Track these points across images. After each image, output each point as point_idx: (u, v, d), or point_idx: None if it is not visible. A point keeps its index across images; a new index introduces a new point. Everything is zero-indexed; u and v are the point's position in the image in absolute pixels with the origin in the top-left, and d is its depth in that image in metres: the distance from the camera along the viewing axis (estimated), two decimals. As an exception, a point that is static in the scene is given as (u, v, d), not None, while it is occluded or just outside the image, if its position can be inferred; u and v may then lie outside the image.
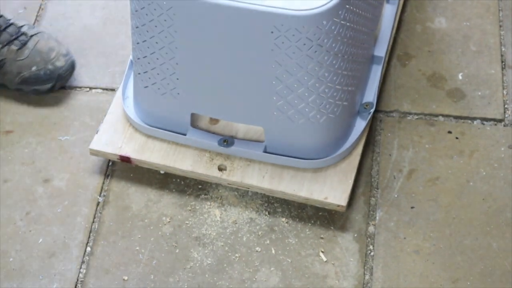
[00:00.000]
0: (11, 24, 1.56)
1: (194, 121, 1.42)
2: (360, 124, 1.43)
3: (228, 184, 1.41)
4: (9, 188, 1.48)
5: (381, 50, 1.50)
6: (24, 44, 1.55)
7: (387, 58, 1.54)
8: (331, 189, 1.37)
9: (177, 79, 1.33)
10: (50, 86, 1.56)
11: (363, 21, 1.31)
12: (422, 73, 1.59)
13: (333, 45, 1.22)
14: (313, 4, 1.17)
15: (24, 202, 1.46)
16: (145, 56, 1.33)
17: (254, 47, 1.23)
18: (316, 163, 1.38)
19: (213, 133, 1.42)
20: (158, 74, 1.34)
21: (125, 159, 1.43)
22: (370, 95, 1.45)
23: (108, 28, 1.69)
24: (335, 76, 1.27)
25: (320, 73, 1.25)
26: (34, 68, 1.54)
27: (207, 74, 1.31)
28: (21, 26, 1.57)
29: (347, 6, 1.21)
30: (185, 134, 1.43)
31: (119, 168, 1.49)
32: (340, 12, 1.20)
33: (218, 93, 1.34)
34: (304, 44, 1.20)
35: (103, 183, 1.48)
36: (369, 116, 1.43)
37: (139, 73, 1.38)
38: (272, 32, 1.20)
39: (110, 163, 1.49)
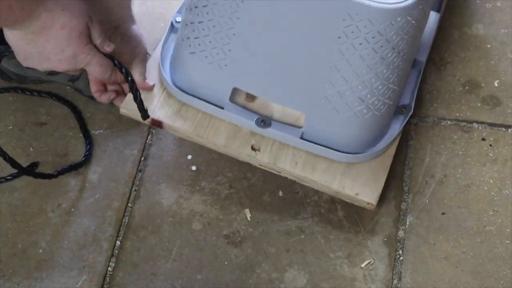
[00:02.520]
0: None
1: (231, 96, 1.39)
2: (396, 126, 1.42)
3: (260, 165, 1.39)
4: (41, 179, 1.48)
5: (422, 55, 1.49)
6: None
7: (425, 65, 1.52)
8: (362, 185, 1.36)
9: (229, 50, 1.31)
10: None
11: (423, 23, 1.31)
12: (458, 79, 1.58)
13: (399, 43, 1.22)
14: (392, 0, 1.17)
15: (56, 194, 1.47)
16: (201, 22, 1.30)
17: (321, 31, 1.22)
18: (352, 158, 1.37)
19: (249, 110, 1.39)
20: (210, 42, 1.32)
21: (157, 123, 1.40)
22: (407, 98, 1.45)
23: (145, 23, 1.69)
24: (392, 74, 1.27)
25: (380, 69, 1.24)
26: None
27: (263, 50, 1.29)
28: None
29: (420, 6, 1.21)
30: (221, 107, 1.39)
31: (151, 164, 1.50)
32: (414, 11, 1.20)
33: (269, 71, 1.32)
34: (373, 37, 1.20)
35: (135, 177, 1.49)
36: (406, 119, 1.42)
37: (188, 38, 1.35)
38: (344, 19, 1.19)
39: (143, 158, 1.50)
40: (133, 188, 1.47)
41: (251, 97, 1.41)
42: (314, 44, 1.24)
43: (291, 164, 1.38)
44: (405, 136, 1.49)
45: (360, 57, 1.23)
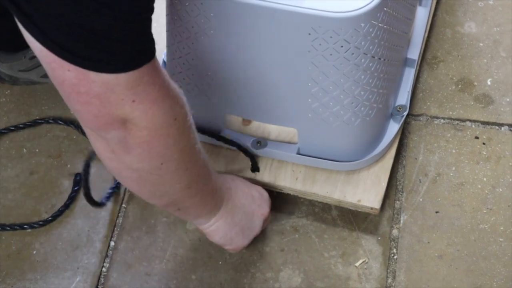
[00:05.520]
0: None
1: (226, 122, 1.42)
2: (393, 127, 1.43)
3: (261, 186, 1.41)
4: (35, 180, 1.49)
5: (414, 53, 1.50)
6: None
7: (419, 61, 1.54)
8: (364, 191, 1.38)
9: (212, 79, 1.33)
10: None
11: (398, 23, 1.31)
12: (451, 78, 1.58)
13: (370, 47, 1.21)
14: (351, 6, 1.16)
15: (50, 195, 1.47)
16: (180, 57, 1.32)
17: (290, 49, 1.22)
18: (349, 166, 1.38)
19: (246, 134, 1.42)
20: (192, 74, 1.34)
21: None
22: (403, 97, 1.45)
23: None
24: (371, 79, 1.26)
25: (357, 76, 1.24)
26: None
27: (242, 76, 1.31)
28: None
29: (385, 8, 1.20)
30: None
31: (144, 164, 1.50)
32: (378, 15, 1.19)
33: (253, 94, 1.34)
34: (342, 46, 1.19)
35: (129, 178, 1.48)
36: (402, 119, 1.43)
37: (173, 74, 1.37)
38: (309, 33, 1.18)
39: (136, 159, 1.50)
40: (127, 189, 1.47)
41: (247, 120, 1.43)
42: (289, 62, 1.24)
43: (291, 180, 1.40)
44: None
45: (334, 67, 1.22)
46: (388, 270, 1.36)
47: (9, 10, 0.90)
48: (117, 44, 0.91)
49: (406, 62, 1.49)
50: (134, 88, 0.94)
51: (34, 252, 1.41)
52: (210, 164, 1.19)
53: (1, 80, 1.58)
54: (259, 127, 1.43)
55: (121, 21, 0.90)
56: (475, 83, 1.57)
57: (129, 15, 0.90)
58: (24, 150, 1.53)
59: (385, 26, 1.22)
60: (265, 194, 1.35)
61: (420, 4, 1.58)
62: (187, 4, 1.22)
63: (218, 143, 1.43)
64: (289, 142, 1.42)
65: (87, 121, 0.99)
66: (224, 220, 1.26)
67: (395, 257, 1.38)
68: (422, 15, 1.57)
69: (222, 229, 1.26)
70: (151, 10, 0.94)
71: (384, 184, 1.39)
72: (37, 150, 1.53)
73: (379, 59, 1.25)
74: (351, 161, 1.38)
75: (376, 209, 1.37)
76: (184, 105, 1.04)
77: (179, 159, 1.07)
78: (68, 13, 0.87)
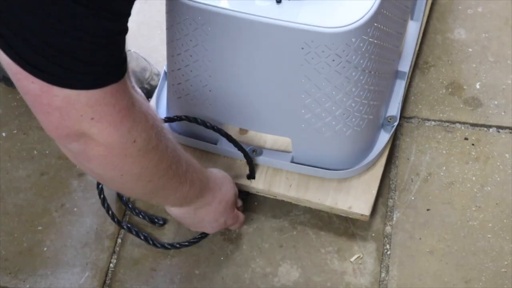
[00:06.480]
0: None
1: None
2: (384, 137, 1.44)
3: (256, 192, 1.43)
4: (45, 180, 1.51)
5: (405, 66, 1.50)
6: None
7: (410, 74, 1.54)
8: (355, 199, 1.39)
9: (210, 91, 1.33)
10: None
11: (389, 38, 1.31)
12: (441, 82, 1.60)
13: (361, 61, 1.22)
14: (343, 22, 1.17)
15: (59, 194, 1.49)
16: (179, 68, 1.33)
17: (284, 62, 1.23)
18: (341, 174, 1.39)
19: (242, 142, 1.42)
20: (191, 85, 1.34)
21: None
22: (394, 108, 1.46)
23: (142, 31, 1.72)
24: (362, 91, 1.27)
25: (348, 88, 1.25)
26: None
27: (239, 87, 1.32)
28: None
29: (375, 24, 1.21)
30: (215, 143, 1.44)
31: (149, 165, 1.52)
32: (368, 30, 1.19)
33: (249, 105, 1.35)
34: (333, 60, 1.20)
35: (134, 178, 1.50)
36: (393, 130, 1.44)
37: (173, 84, 1.38)
38: (302, 48, 1.19)
39: (141, 160, 1.52)
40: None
41: (244, 130, 1.44)
42: (283, 74, 1.25)
43: (285, 187, 1.41)
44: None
45: (326, 80, 1.23)
46: (382, 265, 1.38)
47: None
48: (81, 63, 0.91)
49: (397, 74, 1.50)
50: (95, 106, 0.94)
51: (45, 249, 1.43)
52: (190, 171, 1.18)
53: (12, 84, 1.61)
54: (255, 136, 1.44)
55: (87, 41, 0.90)
56: (465, 87, 1.59)
57: (96, 37, 0.90)
58: (35, 152, 1.55)
59: (375, 41, 1.23)
60: (236, 225, 1.38)
61: (411, 18, 1.58)
62: (185, 19, 1.24)
63: (216, 151, 1.44)
64: (284, 151, 1.42)
65: (49, 131, 0.99)
66: (188, 211, 1.28)
67: (388, 252, 1.40)
68: (413, 29, 1.57)
69: (181, 213, 1.29)
70: (121, 32, 0.94)
71: (374, 192, 1.40)
72: (47, 152, 1.55)
73: (370, 72, 1.26)
74: (342, 170, 1.40)
75: (366, 215, 1.38)
76: (148, 129, 1.01)
77: (140, 174, 1.07)
78: (35, 30, 0.87)
